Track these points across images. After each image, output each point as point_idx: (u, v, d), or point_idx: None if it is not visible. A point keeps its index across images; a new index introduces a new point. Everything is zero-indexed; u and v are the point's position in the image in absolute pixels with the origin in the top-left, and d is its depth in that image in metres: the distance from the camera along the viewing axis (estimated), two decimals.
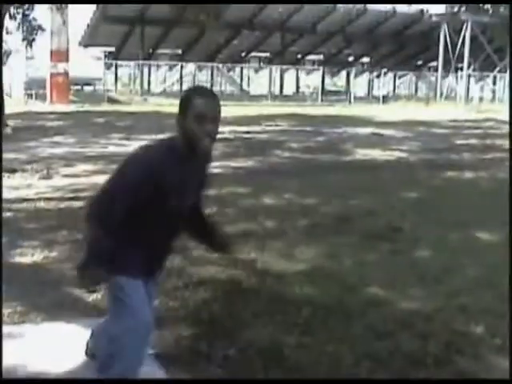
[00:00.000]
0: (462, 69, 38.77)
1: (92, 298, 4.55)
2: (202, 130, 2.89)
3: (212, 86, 38.12)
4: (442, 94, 39.62)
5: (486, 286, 5.08)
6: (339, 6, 38.75)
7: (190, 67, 37.85)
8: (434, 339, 4.01)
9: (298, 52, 46.48)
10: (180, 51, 41.72)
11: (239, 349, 3.83)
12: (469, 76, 39.35)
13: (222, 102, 3.03)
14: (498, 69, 40.17)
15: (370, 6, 39.69)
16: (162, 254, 3.24)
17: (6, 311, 4.26)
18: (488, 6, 37.75)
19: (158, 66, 41.40)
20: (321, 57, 48.13)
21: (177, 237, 3.27)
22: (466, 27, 37.92)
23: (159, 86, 39.29)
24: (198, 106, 2.90)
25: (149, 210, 2.99)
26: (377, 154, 13.82)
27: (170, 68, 41.29)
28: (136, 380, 2.97)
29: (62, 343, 3.83)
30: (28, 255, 5.66)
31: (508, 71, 30.72)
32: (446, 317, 4.44)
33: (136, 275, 3.03)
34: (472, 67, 39.12)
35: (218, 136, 3.00)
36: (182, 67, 38.56)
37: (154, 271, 3.25)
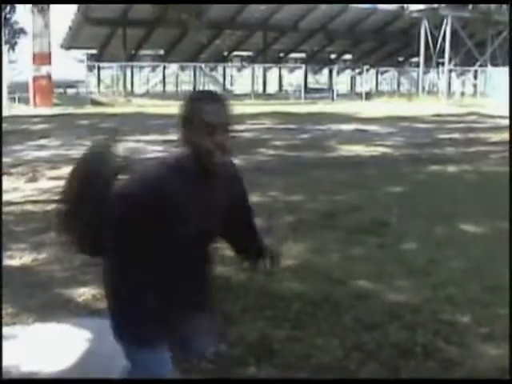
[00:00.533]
0: (443, 64, 39.00)
1: (82, 298, 4.58)
2: (214, 143, 2.35)
3: (195, 86, 38.13)
4: (424, 89, 39.84)
5: (471, 278, 5.17)
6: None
7: (173, 68, 37.83)
8: (421, 329, 4.08)
9: (280, 50, 46.58)
10: (162, 52, 41.70)
11: (229, 344, 3.88)
12: (450, 71, 39.58)
13: None
14: (478, 63, 40.43)
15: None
16: (186, 303, 2.60)
17: None
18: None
19: (141, 67, 41.39)
20: (303, 55, 48.27)
21: (206, 275, 2.73)
22: (447, 23, 38.16)
23: (142, 87, 39.23)
24: (208, 114, 2.35)
25: (156, 243, 2.45)
26: (361, 149, 13.89)
27: (153, 69, 41.31)
28: (135, 380, 2.87)
29: (53, 343, 3.86)
30: (17, 258, 5.68)
31: (508, 67, 30.85)
32: (433, 307, 4.51)
33: (155, 342, 2.51)
34: (453, 62, 39.35)
35: None
36: (164, 68, 38.53)
37: (180, 328, 2.61)
